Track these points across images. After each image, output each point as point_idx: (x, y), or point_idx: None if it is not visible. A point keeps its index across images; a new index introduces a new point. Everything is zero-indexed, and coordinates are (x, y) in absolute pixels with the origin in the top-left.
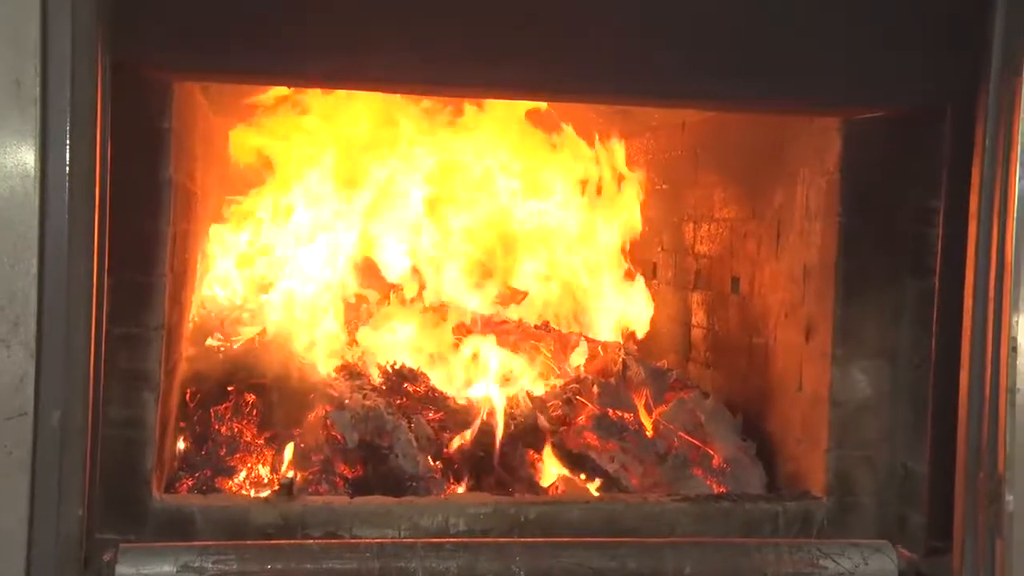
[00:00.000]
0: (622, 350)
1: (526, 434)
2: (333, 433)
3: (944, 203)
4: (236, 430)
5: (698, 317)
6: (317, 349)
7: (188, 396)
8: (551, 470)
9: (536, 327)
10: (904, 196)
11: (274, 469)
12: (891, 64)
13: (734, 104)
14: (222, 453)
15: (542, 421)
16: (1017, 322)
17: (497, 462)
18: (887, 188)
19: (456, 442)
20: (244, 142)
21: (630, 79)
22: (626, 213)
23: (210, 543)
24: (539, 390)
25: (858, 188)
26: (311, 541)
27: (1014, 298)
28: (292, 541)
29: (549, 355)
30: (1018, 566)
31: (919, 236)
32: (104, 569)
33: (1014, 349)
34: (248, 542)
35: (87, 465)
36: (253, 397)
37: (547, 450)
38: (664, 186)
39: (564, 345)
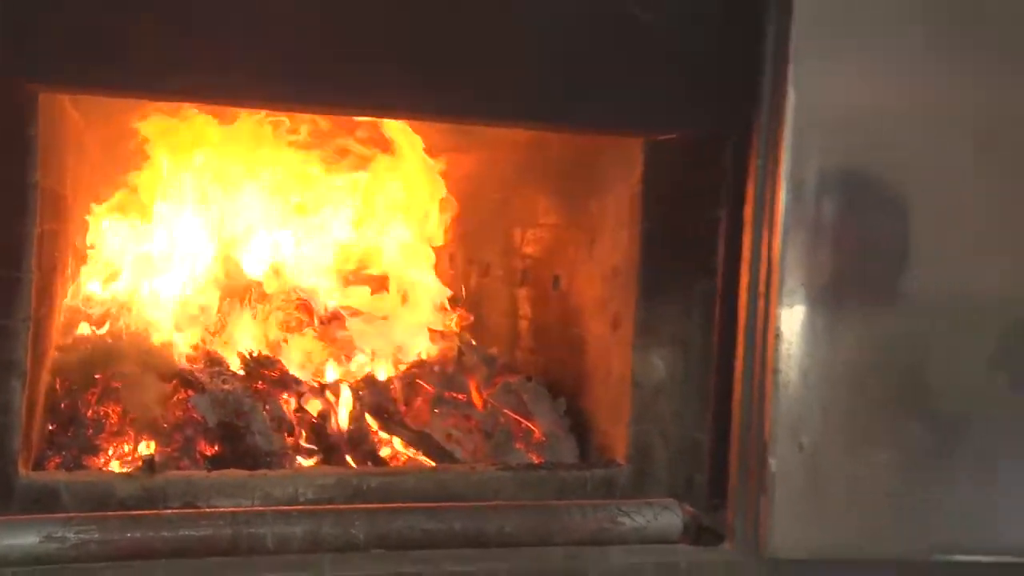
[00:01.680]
0: (458, 339)
1: (371, 413)
2: (194, 415)
3: (726, 214)
4: (102, 413)
5: (524, 310)
6: (180, 339)
7: (58, 383)
8: (393, 445)
9: (382, 318)
10: (694, 207)
11: (137, 448)
12: (683, 94)
13: (553, 125)
14: (88, 434)
15: (385, 402)
16: (780, 315)
17: (344, 439)
18: (681, 200)
19: (307, 421)
20: (118, 147)
21: (474, 103)
22: (450, 217)
23: (73, 515)
24: (383, 375)
25: (657, 200)
26: (169, 511)
27: (779, 296)
28: (151, 512)
29: (392, 343)
30: (777, 516)
31: (706, 242)
32: None
33: (778, 336)
34: (109, 513)
35: None
36: (119, 383)
37: (389, 427)
38: (496, 195)
39: (406, 333)
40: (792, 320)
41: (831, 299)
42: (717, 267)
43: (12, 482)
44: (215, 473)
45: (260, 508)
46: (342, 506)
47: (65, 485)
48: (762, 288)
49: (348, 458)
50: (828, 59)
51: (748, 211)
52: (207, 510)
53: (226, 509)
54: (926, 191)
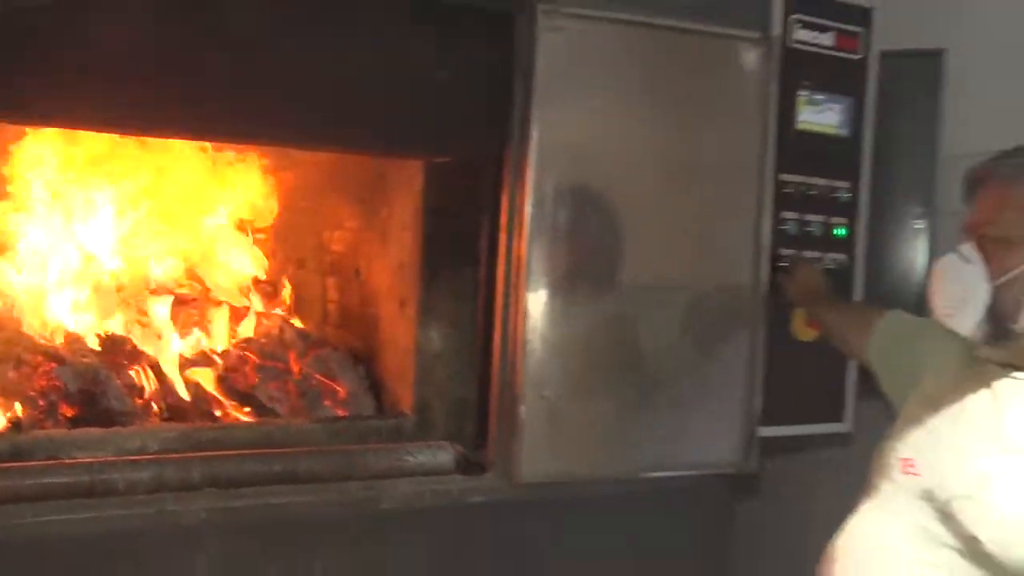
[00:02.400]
0: (279, 320)
1: (207, 379)
2: (57, 383)
3: (486, 220)
4: None
5: (332, 295)
6: (48, 321)
7: None
8: (225, 406)
9: (216, 304)
10: (463, 214)
11: (5, 412)
12: (456, 127)
13: (345, 148)
14: None
15: (218, 369)
16: (528, 299)
17: (185, 402)
18: (453, 209)
19: (154, 387)
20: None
21: (281, 129)
22: (273, 221)
23: None
24: (219, 348)
25: (435, 209)
26: (34, 463)
27: (526, 284)
28: (18, 464)
29: (224, 325)
30: (525, 451)
31: (472, 242)
32: None
33: (526, 316)
34: None
35: None
36: None
37: (222, 391)
38: (309, 204)
39: (237, 315)
40: (537, 303)
41: (566, 287)
42: (480, 262)
43: None
44: (75, 431)
45: (112, 459)
46: (184, 455)
47: None
48: (514, 279)
49: (190, 417)
50: (560, 106)
51: (503, 218)
52: (68, 461)
53: (84, 460)
54: (631, 205)
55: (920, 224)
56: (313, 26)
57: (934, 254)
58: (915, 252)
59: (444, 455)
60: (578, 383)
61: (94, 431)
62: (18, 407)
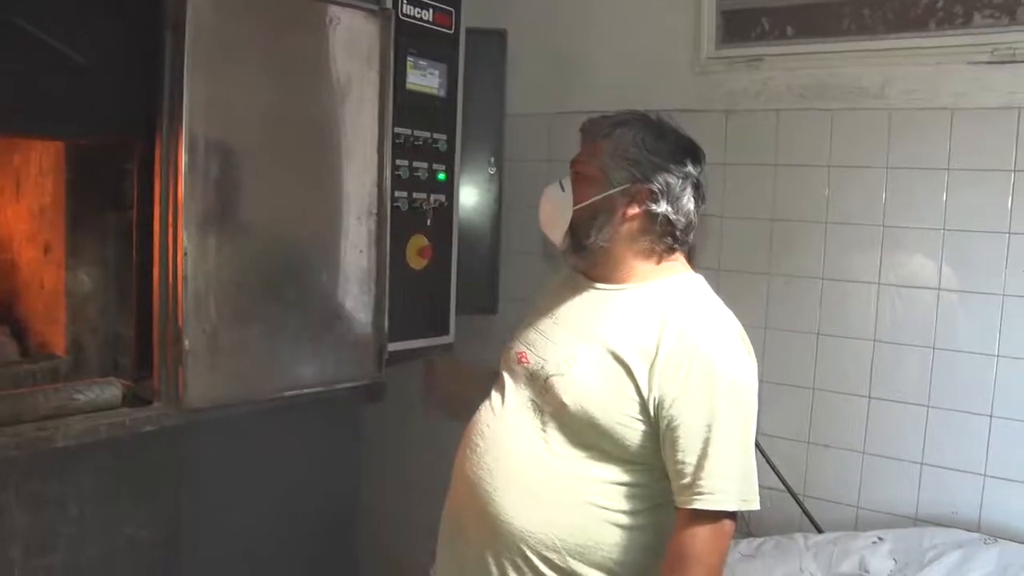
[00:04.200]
0: None
1: None
2: None
3: (136, 167)
4: None
5: None
6: None
7: None
8: None
9: None
10: (112, 160)
11: None
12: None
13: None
14: None
15: None
16: (185, 238)
17: None
18: (99, 157)
19: None
20: None
21: None
22: None
23: None
24: None
25: (79, 156)
26: None
27: (184, 226)
28: None
29: None
30: (190, 379)
31: (120, 188)
32: None
33: (186, 255)
34: None
35: None
36: None
37: None
38: None
39: None
40: (193, 243)
41: (217, 228)
42: (132, 206)
43: None
44: None
45: None
46: None
47: None
48: (170, 220)
49: None
50: (208, 74)
51: (157, 166)
52: None
53: None
54: (273, 157)
55: (492, 169)
56: None
57: (503, 193)
58: (490, 192)
59: (112, 391)
60: (234, 313)
61: None
62: None
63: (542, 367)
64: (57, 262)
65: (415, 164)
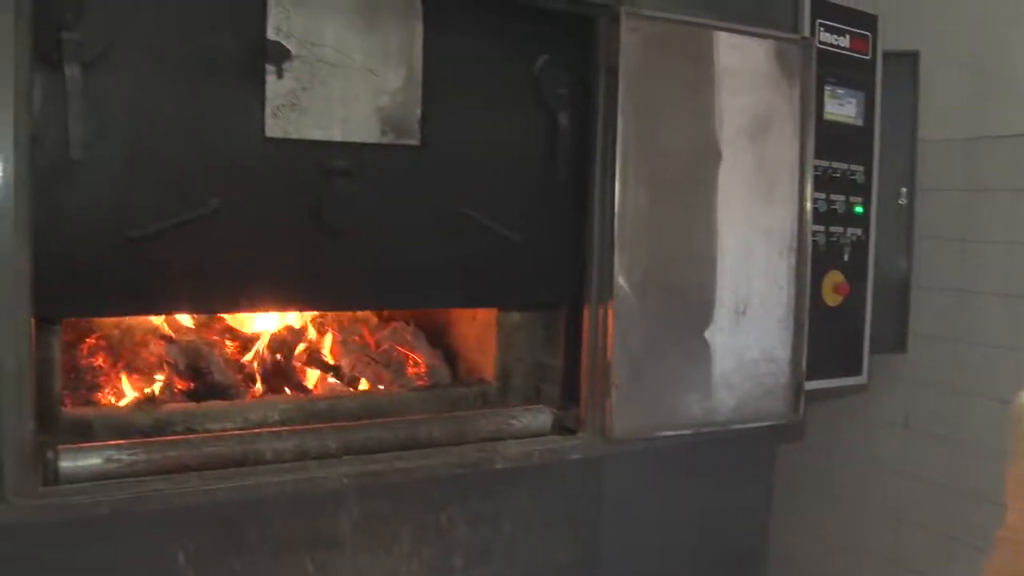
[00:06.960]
0: None
1: (293, 352)
2: (168, 359)
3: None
4: (96, 364)
5: None
6: None
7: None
8: (312, 376)
9: None
10: None
11: (134, 387)
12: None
13: None
14: (88, 379)
15: (302, 343)
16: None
17: (277, 373)
18: None
19: (250, 361)
20: None
21: None
22: None
23: (122, 442)
24: (297, 325)
25: None
26: (195, 435)
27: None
28: (181, 436)
29: None
30: (617, 410)
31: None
32: (50, 464)
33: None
34: (150, 439)
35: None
36: (104, 341)
37: (310, 363)
38: None
39: None
40: (621, 281)
41: (643, 269)
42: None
43: (56, 417)
44: (203, 404)
45: (258, 430)
46: (320, 425)
47: (95, 418)
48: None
49: (285, 388)
50: (638, 113)
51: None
52: (221, 433)
53: (234, 432)
54: (680, 193)
55: (903, 200)
56: None
57: (914, 224)
58: (900, 224)
59: (543, 417)
60: (654, 350)
61: (220, 404)
62: (157, 385)
63: None
64: None
65: (832, 197)
